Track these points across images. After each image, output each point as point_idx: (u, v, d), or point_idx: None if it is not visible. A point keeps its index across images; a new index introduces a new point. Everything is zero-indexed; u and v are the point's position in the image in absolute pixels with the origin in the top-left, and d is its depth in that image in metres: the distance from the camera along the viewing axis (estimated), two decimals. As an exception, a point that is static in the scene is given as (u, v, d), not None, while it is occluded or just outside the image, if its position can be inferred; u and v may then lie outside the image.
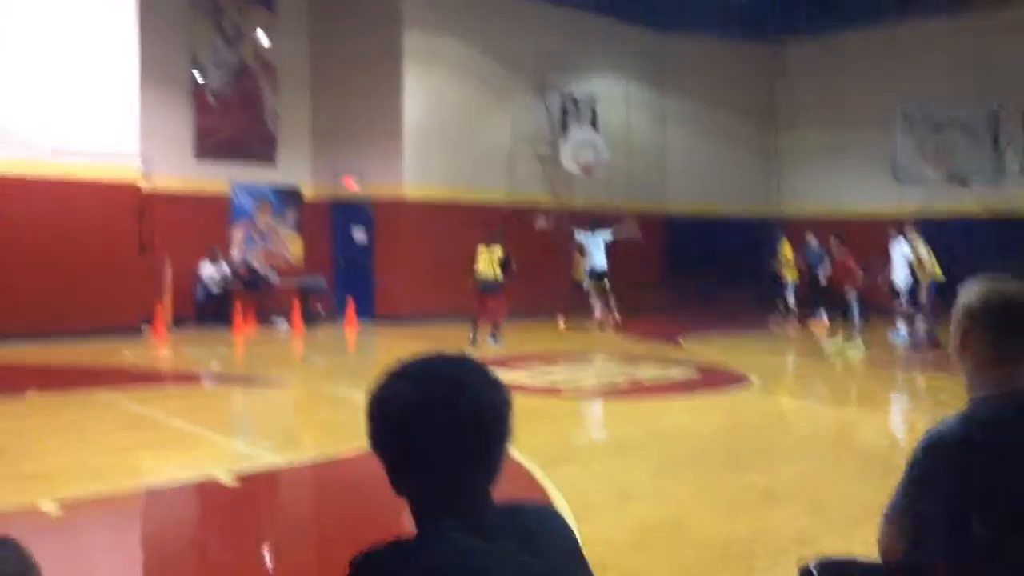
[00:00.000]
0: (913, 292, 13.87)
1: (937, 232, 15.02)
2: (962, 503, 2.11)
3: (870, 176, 19.62)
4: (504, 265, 13.12)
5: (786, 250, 17.74)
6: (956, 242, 15.15)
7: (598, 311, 15.50)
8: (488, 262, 13.10)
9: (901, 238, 14.61)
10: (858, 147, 19.99)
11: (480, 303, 13.07)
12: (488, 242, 13.23)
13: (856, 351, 12.50)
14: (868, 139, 19.54)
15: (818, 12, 19.13)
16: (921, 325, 13.21)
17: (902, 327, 13.76)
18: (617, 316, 15.70)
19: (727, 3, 18.66)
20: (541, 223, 15.91)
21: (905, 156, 17.88)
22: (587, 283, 15.70)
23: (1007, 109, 16.76)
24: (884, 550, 2.26)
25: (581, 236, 15.67)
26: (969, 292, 2.23)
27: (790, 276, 17.49)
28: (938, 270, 13.46)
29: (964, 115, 17.19)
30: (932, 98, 17.80)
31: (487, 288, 13.00)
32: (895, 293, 14.17)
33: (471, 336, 12.82)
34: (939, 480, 2.13)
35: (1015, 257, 16.67)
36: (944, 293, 12.94)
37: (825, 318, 15.37)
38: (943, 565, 2.21)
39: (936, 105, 17.53)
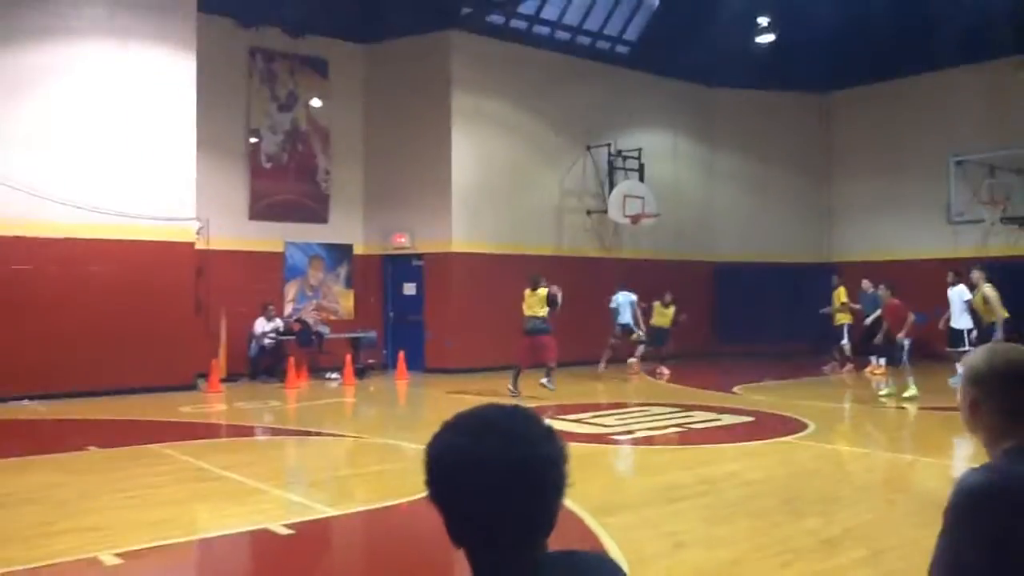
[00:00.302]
0: (972, 336, 13.55)
1: (994, 273, 14.73)
2: (1001, 550, 2.09)
3: (922, 222, 19.38)
4: (551, 303, 13.11)
5: (841, 295, 17.48)
6: (1014, 284, 14.83)
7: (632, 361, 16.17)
8: (532, 305, 13.14)
9: (960, 282, 14.34)
10: (909, 193, 19.78)
11: (526, 345, 13.07)
12: (532, 286, 13.29)
13: (910, 394, 12.19)
14: (919, 185, 19.34)
15: (864, 61, 19.13)
16: None
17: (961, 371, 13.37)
18: (665, 369, 16.13)
19: (773, 55, 18.75)
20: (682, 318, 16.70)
21: (959, 200, 17.64)
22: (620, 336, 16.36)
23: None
24: None
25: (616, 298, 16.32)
26: (974, 359, 2.25)
27: (845, 320, 17.20)
28: (1005, 311, 13.15)
29: (1019, 159, 16.94)
30: (983, 141, 17.60)
31: (532, 329, 13.01)
32: (954, 338, 13.86)
33: (512, 382, 12.80)
34: (974, 528, 2.11)
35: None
36: (1011, 334, 12.71)
37: (880, 363, 15.03)
38: None
39: (989, 148, 17.31)
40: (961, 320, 13.98)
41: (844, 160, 21.63)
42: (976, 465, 2.24)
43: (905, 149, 19.87)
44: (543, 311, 13.07)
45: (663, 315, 16.85)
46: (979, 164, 17.71)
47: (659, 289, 16.89)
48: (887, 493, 7.34)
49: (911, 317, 12.64)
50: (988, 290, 13.07)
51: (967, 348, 13.53)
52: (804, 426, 10.33)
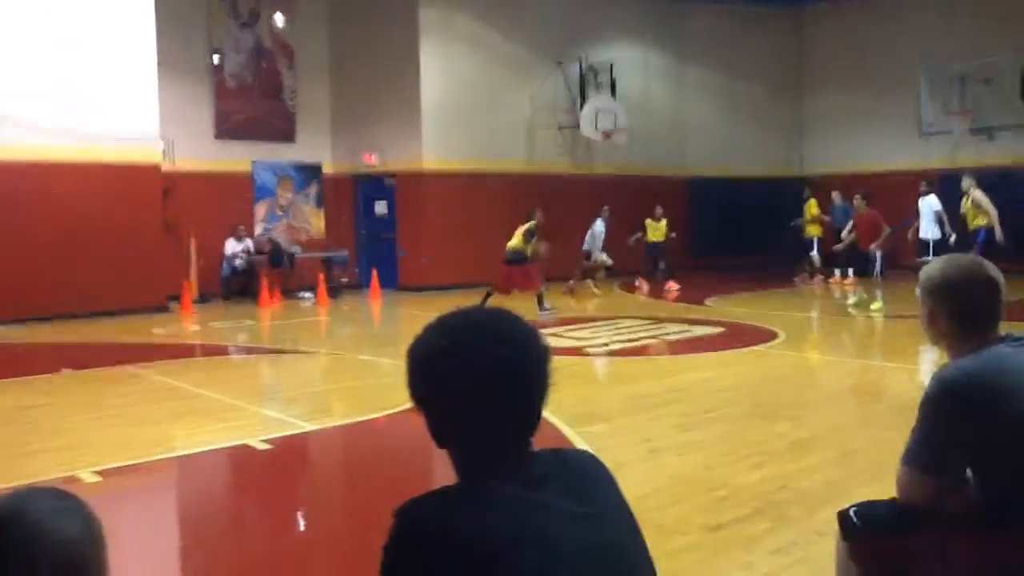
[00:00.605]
0: (940, 246, 13.75)
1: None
2: (985, 436, 2.15)
3: (894, 134, 19.41)
4: (528, 235, 12.87)
5: (812, 208, 17.60)
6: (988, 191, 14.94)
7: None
8: (515, 235, 12.96)
9: (931, 192, 14.50)
10: (881, 107, 19.75)
11: (502, 274, 12.94)
12: (525, 219, 13.09)
13: (877, 306, 12.32)
14: (891, 98, 19.30)
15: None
16: None
17: None
18: (674, 284, 16.33)
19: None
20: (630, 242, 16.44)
21: (930, 112, 17.65)
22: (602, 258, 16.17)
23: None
24: (907, 495, 2.28)
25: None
26: (928, 271, 2.38)
27: (815, 233, 17.36)
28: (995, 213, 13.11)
29: (988, 69, 16.91)
30: (955, 53, 17.53)
31: (508, 259, 12.87)
32: (923, 248, 14.08)
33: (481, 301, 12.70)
34: (961, 416, 2.17)
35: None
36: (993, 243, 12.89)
37: (849, 275, 15.19)
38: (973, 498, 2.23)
39: (960, 60, 17.25)
40: (930, 231, 14.18)
41: (816, 73, 21.49)
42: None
43: (876, 62, 19.75)
44: (518, 242, 12.87)
45: (657, 230, 16.87)
46: (949, 76, 17.65)
47: (632, 204, 16.86)
48: (856, 398, 7.51)
49: (886, 229, 12.67)
50: (978, 194, 13.10)
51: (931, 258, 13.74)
52: (774, 335, 10.48)
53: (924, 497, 2.26)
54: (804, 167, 21.65)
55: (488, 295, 12.67)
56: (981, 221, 12.88)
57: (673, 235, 16.91)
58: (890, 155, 19.52)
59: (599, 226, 15.98)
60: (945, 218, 14.45)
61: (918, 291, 2.44)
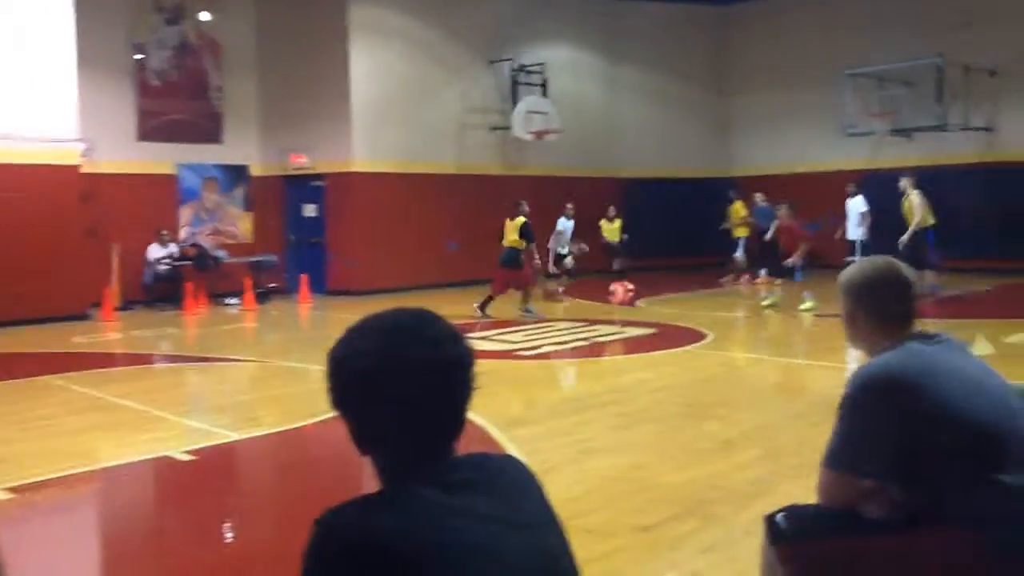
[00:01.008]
0: (866, 245, 14.15)
1: (884, 186, 15.36)
2: (907, 434, 2.18)
3: (818, 134, 19.88)
4: (524, 234, 12.51)
5: (738, 208, 17.93)
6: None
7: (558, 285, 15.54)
8: (507, 233, 12.61)
9: (859, 194, 14.92)
10: (805, 107, 20.21)
11: (498, 278, 12.64)
12: (512, 215, 12.71)
13: (808, 305, 12.48)
14: (815, 98, 19.74)
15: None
16: (931, 276, 13.53)
17: None
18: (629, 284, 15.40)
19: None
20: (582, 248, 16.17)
21: (852, 113, 18.10)
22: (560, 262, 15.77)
23: (950, 64, 17.01)
24: (829, 497, 2.31)
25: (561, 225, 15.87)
26: (846, 273, 2.48)
27: (741, 233, 17.67)
28: (932, 218, 13.65)
29: (908, 72, 17.42)
30: (876, 56, 18.01)
31: (503, 260, 12.52)
32: (851, 248, 14.47)
33: (480, 303, 12.46)
34: (881, 413, 2.20)
35: (959, 204, 17.09)
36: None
37: (769, 275, 15.37)
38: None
39: (881, 62, 17.74)
40: (855, 231, 14.58)
41: (744, 73, 21.88)
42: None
43: (800, 63, 20.21)
44: (515, 241, 12.46)
45: (611, 230, 17.01)
46: (870, 77, 18.14)
47: (564, 205, 16.88)
48: (781, 396, 7.64)
49: (804, 245, 12.92)
50: (915, 197, 13.53)
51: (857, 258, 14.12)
52: (703, 336, 10.63)
53: (846, 499, 2.28)
54: (733, 167, 22.03)
55: (489, 300, 12.50)
56: (931, 221, 13.41)
57: (625, 236, 17.05)
58: (814, 155, 20.01)
59: (563, 224, 15.78)
60: (869, 219, 14.88)
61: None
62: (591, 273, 16.71)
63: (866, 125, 18.14)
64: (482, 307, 12.46)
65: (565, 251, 15.62)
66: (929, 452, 2.17)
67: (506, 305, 14.47)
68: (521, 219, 12.52)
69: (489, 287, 12.71)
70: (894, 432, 2.20)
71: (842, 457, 2.27)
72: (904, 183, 13.80)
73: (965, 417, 2.15)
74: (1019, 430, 2.18)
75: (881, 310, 2.41)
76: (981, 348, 9.21)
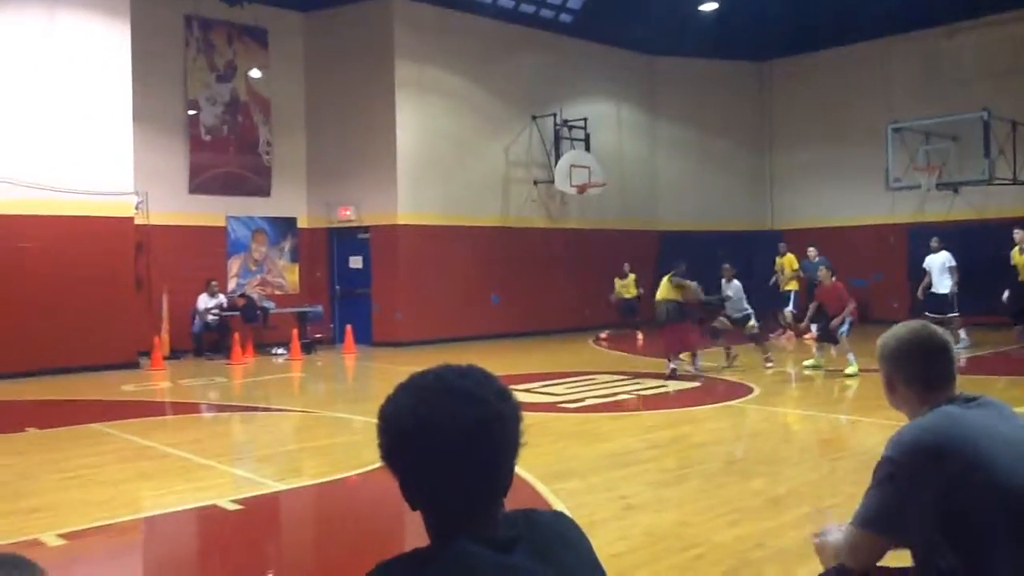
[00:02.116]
0: (951, 300, 14.37)
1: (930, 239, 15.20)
2: (945, 500, 2.16)
3: (861, 188, 19.76)
4: (681, 284, 12.22)
5: (790, 261, 17.68)
6: (950, 248, 15.29)
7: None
8: (663, 290, 12.30)
9: (943, 248, 14.75)
10: (848, 161, 20.14)
11: (662, 333, 12.40)
12: (673, 273, 12.36)
13: (852, 370, 11.92)
14: (858, 153, 19.68)
15: (804, 30, 19.34)
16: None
17: (961, 334, 14.18)
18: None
19: (714, 24, 18.84)
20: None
21: (896, 166, 17.99)
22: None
23: (997, 118, 16.89)
24: (856, 556, 2.30)
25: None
26: (883, 338, 2.49)
27: (793, 288, 17.42)
28: None
29: (954, 126, 17.32)
30: (920, 108, 17.96)
31: (671, 316, 12.12)
32: (940, 303, 14.41)
33: (669, 368, 11.97)
34: (920, 480, 2.19)
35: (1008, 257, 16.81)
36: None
37: (818, 337, 15.01)
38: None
39: (925, 115, 17.67)
40: (943, 285, 14.41)
41: (785, 128, 21.92)
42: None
43: (844, 117, 20.20)
44: (675, 293, 12.18)
45: (624, 286, 17.03)
46: (915, 131, 18.05)
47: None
48: (829, 453, 7.51)
49: (851, 303, 12.41)
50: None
51: (955, 313, 14.34)
52: (749, 390, 10.52)
53: (869, 560, 2.28)
54: (775, 221, 21.95)
55: (693, 355, 12.37)
56: None
57: (641, 291, 17.08)
58: (858, 209, 19.87)
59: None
60: (957, 274, 14.60)
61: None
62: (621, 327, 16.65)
63: (911, 179, 18.01)
64: (694, 365, 12.37)
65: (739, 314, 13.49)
66: (968, 519, 2.15)
67: (545, 355, 14.43)
68: (676, 279, 12.26)
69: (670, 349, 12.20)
70: (929, 499, 2.18)
71: (874, 519, 2.27)
72: (1019, 235, 14.09)
73: (1006, 482, 2.12)
74: None
75: (917, 375, 2.41)
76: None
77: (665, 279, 12.34)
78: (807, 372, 12.62)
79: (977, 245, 15.88)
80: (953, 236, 16.08)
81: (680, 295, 12.15)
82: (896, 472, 2.24)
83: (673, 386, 11.19)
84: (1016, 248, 14.25)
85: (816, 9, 18.30)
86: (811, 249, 17.10)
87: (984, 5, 17.66)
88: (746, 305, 13.30)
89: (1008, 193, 17.71)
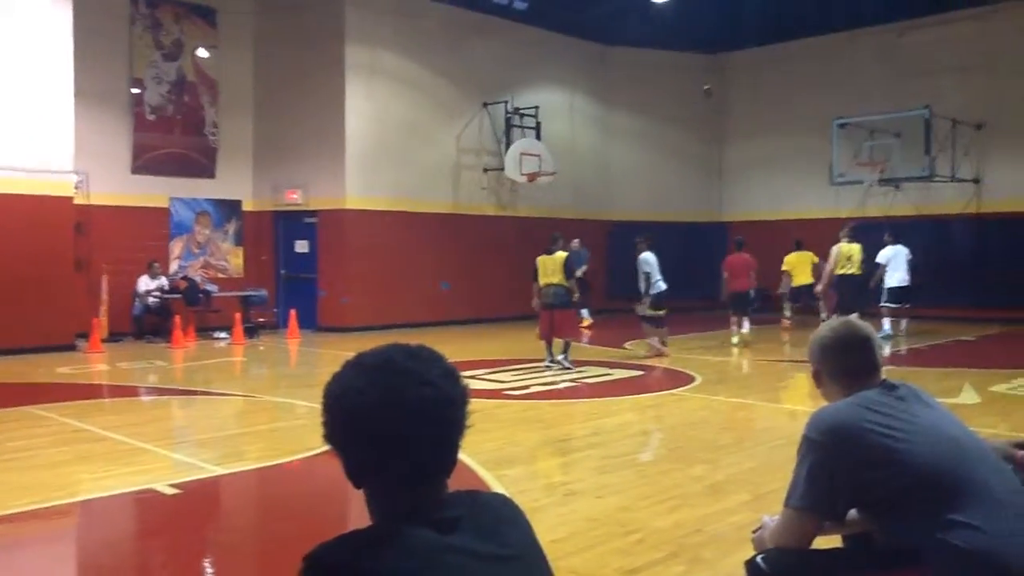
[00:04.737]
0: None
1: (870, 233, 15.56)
2: (858, 478, 2.27)
3: (808, 182, 20.08)
4: (568, 271, 11.46)
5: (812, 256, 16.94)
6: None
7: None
8: (549, 272, 11.44)
9: (898, 243, 15.38)
10: (796, 154, 20.46)
11: (545, 319, 11.50)
12: (550, 250, 11.61)
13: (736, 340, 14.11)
14: (805, 146, 20.00)
15: (756, 23, 19.55)
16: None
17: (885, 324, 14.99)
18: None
19: (668, 16, 18.95)
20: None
21: (841, 161, 18.31)
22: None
23: (938, 116, 17.28)
24: (790, 534, 2.38)
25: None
26: (814, 335, 2.68)
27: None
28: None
29: (897, 123, 17.68)
30: (866, 105, 18.30)
31: (550, 302, 11.37)
32: (901, 295, 15.16)
33: (546, 358, 11.57)
34: (835, 459, 2.29)
35: (945, 254, 17.34)
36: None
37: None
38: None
39: (870, 111, 18.02)
40: (903, 279, 15.06)
41: (736, 121, 22.18)
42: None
43: (793, 111, 20.51)
44: (559, 278, 11.36)
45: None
46: (860, 127, 18.40)
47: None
48: (767, 440, 7.63)
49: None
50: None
51: (908, 304, 15.27)
52: (691, 379, 10.66)
53: (803, 537, 2.36)
54: (723, 212, 22.23)
55: (548, 346, 11.60)
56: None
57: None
58: (803, 202, 20.20)
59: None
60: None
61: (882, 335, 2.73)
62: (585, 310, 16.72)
63: (855, 174, 18.35)
64: (550, 360, 11.53)
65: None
66: (881, 496, 2.28)
67: (491, 343, 14.47)
68: (563, 254, 11.52)
69: (542, 336, 11.67)
70: (844, 477, 2.28)
71: (806, 498, 2.34)
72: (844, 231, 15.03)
73: (916, 461, 2.25)
74: (975, 473, 2.27)
75: (841, 368, 2.57)
76: (968, 397, 9.26)
77: (552, 259, 11.48)
78: (735, 350, 13.96)
79: (916, 240, 16.30)
80: (893, 230, 16.46)
81: (563, 278, 11.38)
82: (816, 451, 2.34)
83: (618, 374, 11.28)
84: (844, 241, 14.84)
85: (768, 4, 18.52)
86: (575, 241, 16.58)
87: (930, 5, 18.03)
88: (658, 277, 12.51)
89: (947, 190, 18.17)
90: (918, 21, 18.52)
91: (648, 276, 12.52)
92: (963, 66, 17.97)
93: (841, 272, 14.68)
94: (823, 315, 15.00)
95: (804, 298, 16.29)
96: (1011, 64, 17.62)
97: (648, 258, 12.56)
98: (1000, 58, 17.73)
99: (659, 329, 12.82)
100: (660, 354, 12.69)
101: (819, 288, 15.19)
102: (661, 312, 12.68)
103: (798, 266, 16.60)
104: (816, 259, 16.67)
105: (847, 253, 14.68)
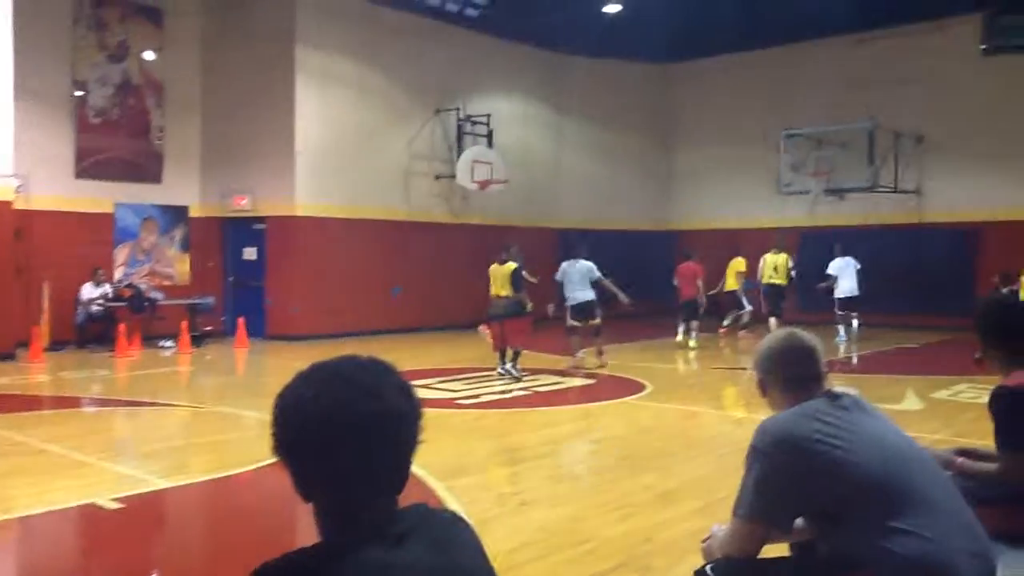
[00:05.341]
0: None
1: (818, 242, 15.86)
2: (805, 488, 2.29)
3: (757, 191, 20.38)
4: (515, 282, 11.29)
5: (740, 264, 17.67)
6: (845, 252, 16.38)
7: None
8: (499, 283, 11.38)
9: (847, 254, 16.19)
10: (745, 164, 20.75)
11: (495, 330, 11.45)
12: (501, 260, 11.51)
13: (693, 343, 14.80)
14: (754, 156, 20.29)
15: (707, 34, 19.79)
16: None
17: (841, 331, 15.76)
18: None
19: (619, 25, 19.10)
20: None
21: (788, 171, 18.61)
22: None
23: (882, 128, 17.66)
24: (740, 544, 2.39)
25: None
26: (758, 346, 2.70)
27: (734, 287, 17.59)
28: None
29: (843, 134, 18.02)
30: (813, 116, 18.63)
31: (499, 313, 11.32)
32: (854, 302, 15.95)
33: (499, 367, 11.36)
34: (782, 469, 2.31)
35: (889, 263, 17.75)
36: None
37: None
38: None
39: (817, 124, 18.36)
40: (855, 288, 15.94)
41: (686, 130, 22.43)
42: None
43: (742, 121, 20.80)
44: (508, 290, 11.25)
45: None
46: (808, 137, 18.72)
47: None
48: (717, 448, 7.70)
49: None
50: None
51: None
52: (642, 387, 10.72)
53: (753, 546, 2.37)
54: (674, 221, 22.46)
55: (502, 355, 11.37)
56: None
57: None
58: (753, 211, 20.49)
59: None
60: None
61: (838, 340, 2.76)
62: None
63: (802, 184, 18.67)
64: (503, 369, 11.31)
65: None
66: (826, 505, 2.31)
67: (445, 351, 14.43)
68: (512, 265, 11.37)
69: (495, 347, 11.52)
70: (791, 487, 2.31)
71: (754, 508, 2.36)
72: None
73: (860, 471, 2.27)
74: (916, 481, 2.31)
75: (785, 378, 2.59)
76: (911, 404, 9.45)
77: (501, 270, 11.37)
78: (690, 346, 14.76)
79: (860, 249, 16.69)
80: (838, 240, 16.79)
81: (511, 289, 11.24)
82: (763, 461, 2.36)
83: (570, 382, 11.31)
84: (772, 252, 15.69)
85: (718, 15, 18.74)
86: (513, 248, 16.77)
87: (874, 21, 18.43)
88: (586, 288, 12.16)
89: (890, 200, 18.57)
90: (862, 35, 18.90)
91: (572, 285, 12.33)
92: (905, 80, 18.40)
93: (767, 281, 15.50)
94: (726, 320, 16.62)
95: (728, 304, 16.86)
96: (948, 80, 18.10)
97: (570, 268, 12.41)
98: (938, 74, 18.18)
99: (573, 339, 12.52)
100: (578, 367, 12.25)
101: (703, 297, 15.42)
102: (579, 323, 12.39)
103: (729, 274, 17.38)
104: (743, 267, 17.16)
105: (772, 263, 15.51)
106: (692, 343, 14.97)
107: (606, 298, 12.74)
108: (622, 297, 12.39)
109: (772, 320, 14.88)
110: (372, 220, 17.45)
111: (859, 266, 16.08)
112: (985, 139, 17.76)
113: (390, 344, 15.12)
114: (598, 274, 12.38)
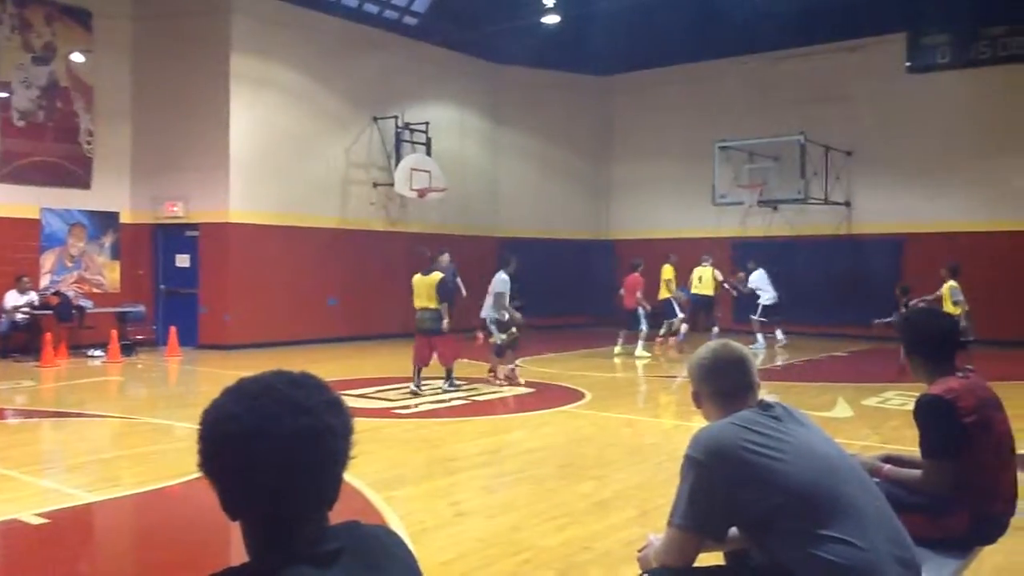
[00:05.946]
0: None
1: (750, 252, 16.16)
2: (736, 498, 2.32)
3: (692, 202, 20.67)
4: (442, 294, 10.71)
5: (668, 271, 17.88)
6: (770, 262, 16.67)
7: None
8: (423, 295, 10.74)
9: (759, 267, 17.03)
10: (680, 175, 21.07)
11: (422, 345, 10.86)
12: (424, 271, 10.94)
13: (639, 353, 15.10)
14: (688, 167, 20.61)
15: (644, 48, 20.07)
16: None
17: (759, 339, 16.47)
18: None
19: (558, 37, 19.25)
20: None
21: (722, 183, 18.93)
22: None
23: (812, 142, 18.09)
24: (676, 554, 2.41)
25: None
26: (693, 357, 2.74)
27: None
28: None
29: (776, 147, 18.41)
30: (746, 129, 19.00)
31: (426, 327, 10.73)
32: (771, 310, 16.83)
33: (414, 383, 10.84)
34: (714, 479, 2.35)
35: (820, 273, 18.21)
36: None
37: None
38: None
39: (750, 135, 18.72)
40: (772, 297, 16.80)
41: (623, 141, 22.68)
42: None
43: (678, 133, 21.12)
44: (433, 302, 10.65)
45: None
46: (741, 150, 19.08)
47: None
48: (654, 456, 7.78)
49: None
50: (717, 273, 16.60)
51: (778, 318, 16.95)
52: (581, 396, 10.78)
53: (688, 556, 2.39)
54: (610, 231, 22.67)
55: (417, 371, 10.81)
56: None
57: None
58: (687, 222, 20.80)
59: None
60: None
61: (755, 347, 2.77)
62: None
63: (736, 195, 19.01)
64: (417, 387, 10.83)
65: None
66: (757, 514, 2.33)
67: (384, 360, 14.31)
68: (437, 275, 10.81)
69: (414, 361, 10.99)
70: (724, 496, 2.34)
71: (689, 517, 2.38)
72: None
73: (790, 480, 2.31)
74: (845, 489, 2.35)
75: (717, 388, 2.64)
76: (841, 411, 9.67)
77: (425, 280, 10.81)
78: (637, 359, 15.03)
79: (792, 259, 17.08)
80: (772, 250, 17.15)
81: (437, 301, 10.71)
82: (696, 470, 2.39)
83: (508, 391, 11.31)
84: (701, 264, 16.59)
85: (654, 30, 19.03)
86: (444, 256, 16.71)
87: (796, 38, 18.91)
88: (500, 308, 11.64)
89: (821, 212, 19.02)
90: (787, 52, 19.38)
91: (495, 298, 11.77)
92: (830, 96, 18.91)
93: (694, 292, 16.39)
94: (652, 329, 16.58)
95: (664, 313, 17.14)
96: (871, 96, 18.66)
97: (495, 280, 11.81)
98: (867, 90, 18.72)
99: (498, 357, 11.95)
100: (500, 381, 11.75)
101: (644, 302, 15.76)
102: (502, 338, 11.79)
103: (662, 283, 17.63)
104: (670, 275, 17.42)
105: (698, 274, 16.40)
106: (639, 352, 15.23)
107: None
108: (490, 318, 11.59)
109: (684, 327, 15.83)
110: (308, 228, 17.26)
111: (772, 273, 16.94)
112: (910, 154, 18.33)
113: (325, 353, 14.97)
114: (499, 290, 11.73)
